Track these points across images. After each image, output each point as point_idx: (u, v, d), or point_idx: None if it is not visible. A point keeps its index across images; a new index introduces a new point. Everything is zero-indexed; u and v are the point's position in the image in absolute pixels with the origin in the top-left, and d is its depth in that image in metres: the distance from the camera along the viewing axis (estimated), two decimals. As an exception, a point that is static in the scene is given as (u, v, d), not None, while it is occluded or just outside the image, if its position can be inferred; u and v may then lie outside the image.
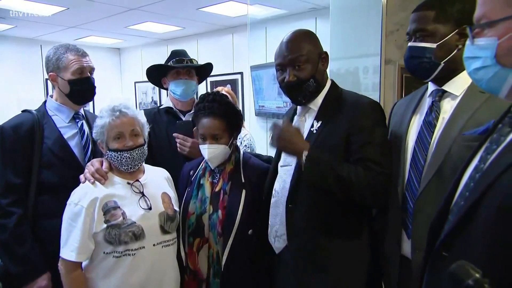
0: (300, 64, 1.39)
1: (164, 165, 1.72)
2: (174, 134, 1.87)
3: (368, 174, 1.28)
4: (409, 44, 1.29)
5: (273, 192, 1.50)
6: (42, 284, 1.57)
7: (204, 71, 2.18)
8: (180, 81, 2.00)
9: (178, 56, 2.03)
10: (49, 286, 1.59)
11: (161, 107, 2.10)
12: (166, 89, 2.10)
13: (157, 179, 1.61)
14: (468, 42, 0.87)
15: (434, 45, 1.23)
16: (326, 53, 1.46)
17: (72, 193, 1.47)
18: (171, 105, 2.06)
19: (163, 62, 2.12)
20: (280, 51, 1.43)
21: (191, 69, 2.04)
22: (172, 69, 2.01)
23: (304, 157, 1.30)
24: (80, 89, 1.71)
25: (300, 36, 1.44)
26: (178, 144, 1.86)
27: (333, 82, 1.50)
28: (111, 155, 1.49)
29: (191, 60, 2.04)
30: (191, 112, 2.02)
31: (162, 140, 1.94)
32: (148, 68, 2.10)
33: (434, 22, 1.23)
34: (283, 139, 1.36)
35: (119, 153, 1.47)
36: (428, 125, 1.26)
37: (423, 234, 1.08)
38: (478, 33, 0.84)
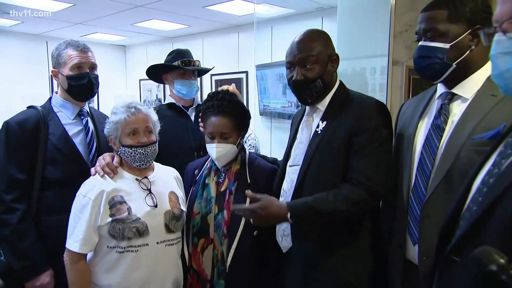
0: (309, 64, 1.40)
1: (170, 161, 1.72)
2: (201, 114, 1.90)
3: (350, 194, 1.29)
4: (420, 43, 1.25)
5: (282, 191, 1.51)
6: (44, 280, 1.57)
7: (201, 72, 2.34)
8: (186, 82, 2.11)
9: (184, 56, 2.14)
10: (51, 283, 1.59)
11: (163, 104, 2.20)
12: (165, 84, 2.22)
13: (166, 178, 1.61)
14: (497, 37, 0.82)
15: (447, 46, 1.19)
16: (337, 55, 1.46)
17: (82, 184, 1.48)
18: (173, 101, 2.14)
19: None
20: (291, 49, 1.44)
21: (195, 71, 2.16)
22: (180, 69, 2.09)
23: (290, 220, 1.31)
24: (78, 84, 1.69)
25: (312, 36, 1.44)
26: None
27: (341, 83, 1.49)
28: (124, 150, 1.50)
29: (195, 62, 2.17)
30: (193, 107, 2.15)
31: (168, 135, 1.94)
32: (153, 65, 2.18)
33: (446, 22, 1.19)
34: (262, 218, 1.34)
35: (133, 149, 1.48)
36: (437, 128, 1.23)
37: (430, 240, 1.06)
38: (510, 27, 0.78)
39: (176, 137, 1.98)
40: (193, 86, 2.12)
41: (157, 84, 5.70)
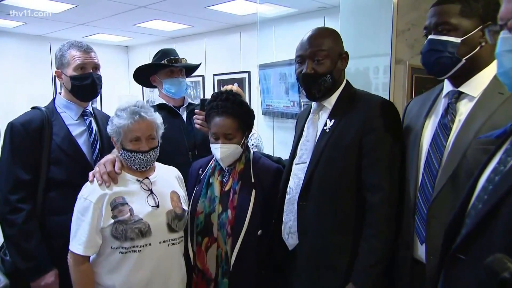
0: (320, 58, 1.40)
1: (165, 162, 1.70)
2: (196, 111, 1.89)
3: (381, 218, 1.31)
4: (430, 37, 1.23)
5: (288, 189, 1.51)
6: (49, 280, 1.58)
7: (190, 70, 2.25)
8: (174, 80, 2.07)
9: (170, 55, 2.10)
10: (56, 282, 1.60)
11: (153, 105, 2.11)
12: (155, 87, 2.17)
13: (167, 178, 1.61)
14: (502, 35, 0.81)
15: (458, 40, 1.17)
16: (346, 53, 1.47)
17: (84, 186, 1.48)
18: (163, 102, 2.10)
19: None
20: (302, 44, 1.44)
21: (183, 68, 2.11)
22: (167, 68, 2.05)
23: None
24: (81, 85, 1.70)
25: (324, 32, 1.45)
26: (194, 117, 1.89)
27: (347, 82, 1.50)
28: (124, 154, 1.50)
29: (182, 60, 2.13)
30: (184, 106, 2.12)
31: (161, 136, 1.94)
32: (140, 67, 2.13)
33: (459, 16, 1.18)
34: None
35: (133, 153, 1.49)
36: (444, 127, 1.22)
37: (437, 239, 1.06)
38: None
39: (170, 138, 1.89)
40: (182, 84, 2.08)
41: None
